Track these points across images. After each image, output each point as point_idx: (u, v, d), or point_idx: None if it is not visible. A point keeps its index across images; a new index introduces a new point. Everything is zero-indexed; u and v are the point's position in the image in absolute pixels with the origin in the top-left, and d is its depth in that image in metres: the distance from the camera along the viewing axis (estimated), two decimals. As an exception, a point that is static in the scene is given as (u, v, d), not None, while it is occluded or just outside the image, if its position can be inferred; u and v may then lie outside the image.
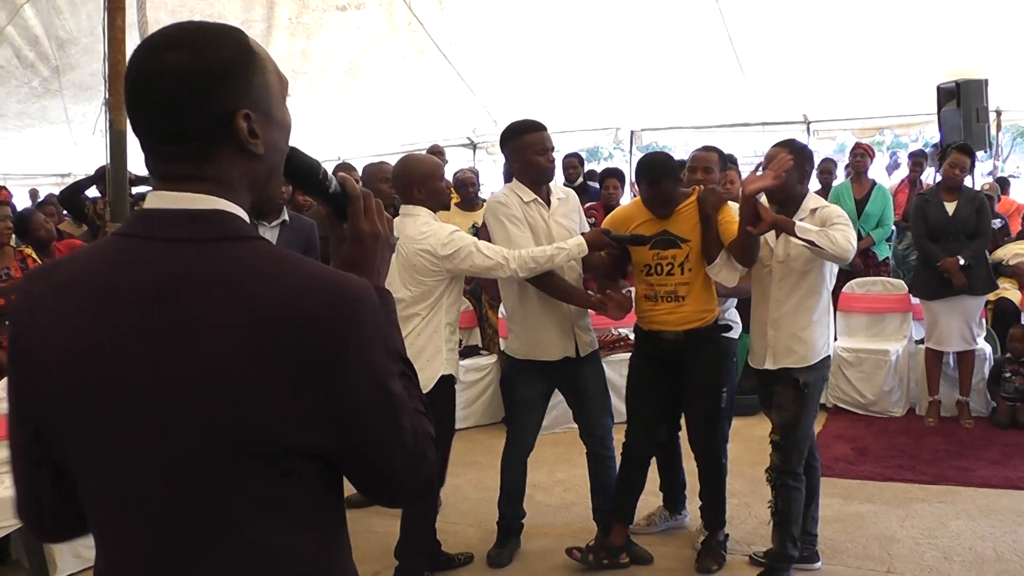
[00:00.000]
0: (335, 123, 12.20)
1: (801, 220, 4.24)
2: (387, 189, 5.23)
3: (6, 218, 5.59)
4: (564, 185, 8.43)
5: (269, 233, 5.49)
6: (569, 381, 4.83)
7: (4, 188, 8.04)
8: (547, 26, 9.73)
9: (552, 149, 4.62)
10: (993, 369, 7.02)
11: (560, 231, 4.61)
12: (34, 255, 5.80)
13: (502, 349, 6.59)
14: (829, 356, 4.40)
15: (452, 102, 11.31)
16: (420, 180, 4.37)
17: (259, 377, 1.26)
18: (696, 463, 4.87)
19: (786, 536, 4.41)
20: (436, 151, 9.06)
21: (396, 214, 5.33)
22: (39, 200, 11.36)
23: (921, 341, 7.23)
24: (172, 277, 1.28)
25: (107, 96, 5.78)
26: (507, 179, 5.04)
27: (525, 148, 4.52)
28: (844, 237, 4.08)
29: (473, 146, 12.21)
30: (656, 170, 4.45)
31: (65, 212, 8.69)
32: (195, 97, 1.31)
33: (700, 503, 4.95)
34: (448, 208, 4.47)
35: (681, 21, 9.24)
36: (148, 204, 1.35)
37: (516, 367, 4.85)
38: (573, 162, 9.67)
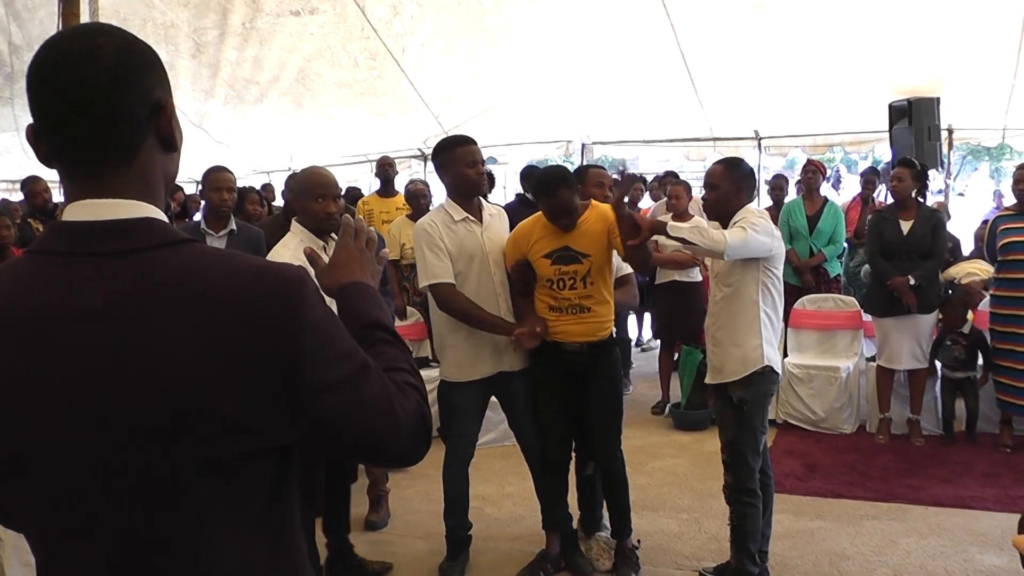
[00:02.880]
0: (287, 131, 12.09)
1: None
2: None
3: None
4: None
5: (217, 242, 5.41)
6: (505, 391, 4.86)
7: None
8: (499, 37, 9.68)
9: (482, 163, 4.65)
10: (937, 339, 6.95)
11: (494, 247, 4.68)
12: None
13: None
14: (770, 370, 4.32)
15: (404, 112, 11.21)
16: (296, 195, 4.41)
17: (223, 376, 1.25)
18: (600, 472, 4.95)
19: (743, 552, 4.40)
20: (386, 162, 9.01)
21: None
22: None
23: (872, 358, 7.23)
24: (115, 292, 1.26)
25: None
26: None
27: (455, 161, 4.56)
28: (722, 233, 4.13)
29: (424, 157, 12.11)
30: (552, 180, 4.48)
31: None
32: (129, 81, 1.31)
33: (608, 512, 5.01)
34: (327, 233, 4.39)
35: (634, 35, 9.21)
36: (71, 215, 1.31)
37: (451, 382, 4.82)
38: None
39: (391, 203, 8.61)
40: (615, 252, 4.61)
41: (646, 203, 10.95)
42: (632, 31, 9.17)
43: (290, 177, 5.06)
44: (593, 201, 4.68)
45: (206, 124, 11.79)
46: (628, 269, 4.84)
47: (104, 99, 1.29)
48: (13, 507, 1.33)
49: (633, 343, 10.94)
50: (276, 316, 1.30)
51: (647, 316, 10.63)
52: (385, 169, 8.99)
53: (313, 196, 4.29)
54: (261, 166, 13.65)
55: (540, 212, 4.64)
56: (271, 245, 4.98)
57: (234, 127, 11.96)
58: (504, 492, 6.06)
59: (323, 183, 4.33)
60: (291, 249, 4.22)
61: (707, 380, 4.61)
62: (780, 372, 4.43)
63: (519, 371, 4.78)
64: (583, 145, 11.84)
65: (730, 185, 4.38)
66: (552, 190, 4.45)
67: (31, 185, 7.93)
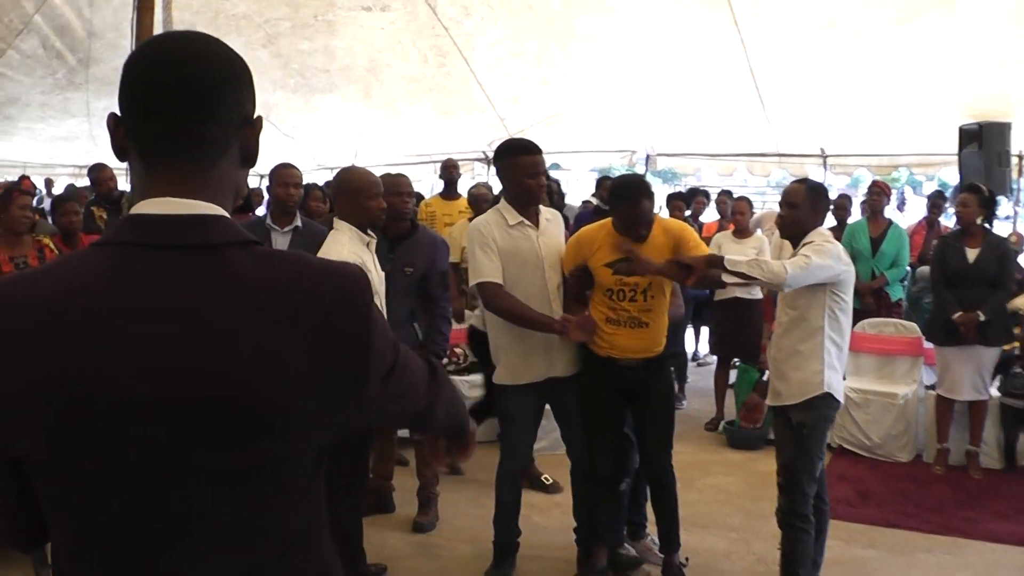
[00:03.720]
0: (353, 125, 12.18)
1: (795, 251, 4.31)
2: (399, 202, 5.24)
3: (25, 207, 5.55)
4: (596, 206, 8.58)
5: (282, 239, 5.44)
6: (559, 400, 4.86)
7: (27, 178, 8.05)
8: (569, 43, 9.68)
9: (544, 174, 4.66)
10: (1002, 363, 6.82)
11: (549, 252, 4.67)
12: (51, 245, 5.75)
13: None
14: (832, 397, 4.29)
15: (471, 112, 11.24)
16: (348, 195, 4.43)
17: (300, 373, 1.30)
18: (649, 487, 4.95)
19: (791, 578, 4.35)
20: (450, 164, 9.06)
21: (414, 226, 5.32)
22: (63, 192, 11.38)
23: (932, 386, 7.11)
24: (193, 287, 1.28)
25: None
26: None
27: (517, 169, 4.57)
28: (781, 263, 4.11)
29: (488, 161, 12.11)
30: (634, 190, 4.49)
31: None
32: (230, 87, 1.36)
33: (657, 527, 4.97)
34: (379, 225, 4.46)
35: (702, 47, 9.15)
36: (152, 210, 1.33)
37: (508, 387, 4.82)
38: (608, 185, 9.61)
39: (454, 206, 8.63)
40: None
41: (709, 216, 10.90)
42: (701, 43, 9.11)
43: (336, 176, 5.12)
44: (657, 216, 4.66)
45: (273, 116, 11.90)
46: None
47: (206, 97, 1.33)
48: (62, 502, 1.31)
49: (690, 357, 10.89)
50: (349, 312, 1.36)
51: (704, 330, 10.57)
52: (449, 171, 9.02)
53: (369, 195, 4.38)
54: (326, 161, 13.73)
55: (607, 219, 4.63)
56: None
57: (301, 119, 12.07)
58: (554, 500, 6.04)
59: (375, 182, 4.47)
60: (346, 246, 4.28)
61: (768, 402, 4.57)
62: (842, 400, 4.38)
63: (571, 378, 4.77)
64: (647, 156, 11.77)
65: (810, 206, 4.36)
66: (633, 198, 4.44)
67: (97, 172, 8.02)
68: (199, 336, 1.26)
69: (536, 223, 4.68)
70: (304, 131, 12.43)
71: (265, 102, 11.45)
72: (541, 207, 4.76)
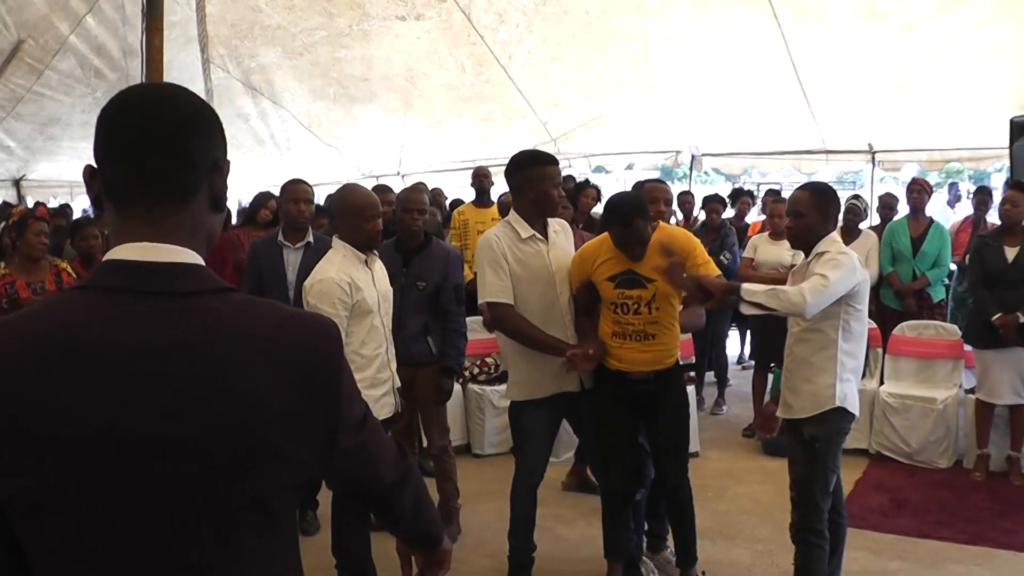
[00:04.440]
0: (396, 134, 12.23)
1: (808, 261, 4.20)
2: (408, 218, 5.32)
3: (40, 233, 5.63)
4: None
5: (294, 254, 5.49)
6: (575, 414, 4.83)
7: (42, 205, 8.18)
8: (607, 45, 9.62)
9: (560, 185, 4.68)
10: None
11: (560, 265, 4.63)
12: (69, 269, 5.83)
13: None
14: (845, 411, 4.17)
15: (512, 118, 11.21)
16: (344, 215, 4.46)
17: (279, 413, 1.36)
18: (666, 500, 4.90)
19: (805, 595, 4.25)
20: (481, 173, 9.05)
21: (428, 240, 5.31)
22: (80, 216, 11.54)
23: (972, 390, 6.91)
24: (179, 331, 1.33)
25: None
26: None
27: (543, 179, 4.53)
28: (798, 290, 3.95)
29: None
30: (627, 209, 4.40)
31: None
32: (199, 131, 1.42)
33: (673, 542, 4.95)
34: (373, 248, 4.44)
35: (744, 45, 9.03)
36: (125, 255, 1.37)
37: (521, 402, 4.78)
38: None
39: (487, 213, 8.61)
40: None
41: (754, 216, 10.75)
42: (741, 40, 9.00)
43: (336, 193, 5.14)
44: (661, 223, 4.57)
45: (315, 127, 12.00)
46: None
47: (176, 139, 1.38)
48: (48, 539, 1.32)
49: (735, 360, 10.75)
50: (323, 358, 1.44)
51: (749, 334, 10.41)
52: (480, 180, 9.02)
53: (365, 217, 4.40)
54: (371, 170, 13.80)
55: (607, 233, 4.56)
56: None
57: (343, 129, 12.15)
58: (579, 512, 5.97)
59: (373, 203, 4.46)
60: (336, 265, 4.33)
61: (779, 414, 4.46)
62: (857, 412, 4.25)
63: (585, 392, 4.71)
64: (692, 156, 11.63)
65: (817, 213, 4.23)
66: (627, 219, 4.36)
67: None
68: (186, 376, 1.31)
69: (546, 235, 4.64)
70: (347, 141, 12.51)
71: (307, 112, 11.60)
72: (549, 219, 4.71)
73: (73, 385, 1.27)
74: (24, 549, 1.34)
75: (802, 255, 4.37)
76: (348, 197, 4.48)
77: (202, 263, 1.42)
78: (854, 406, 4.22)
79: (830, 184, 8.00)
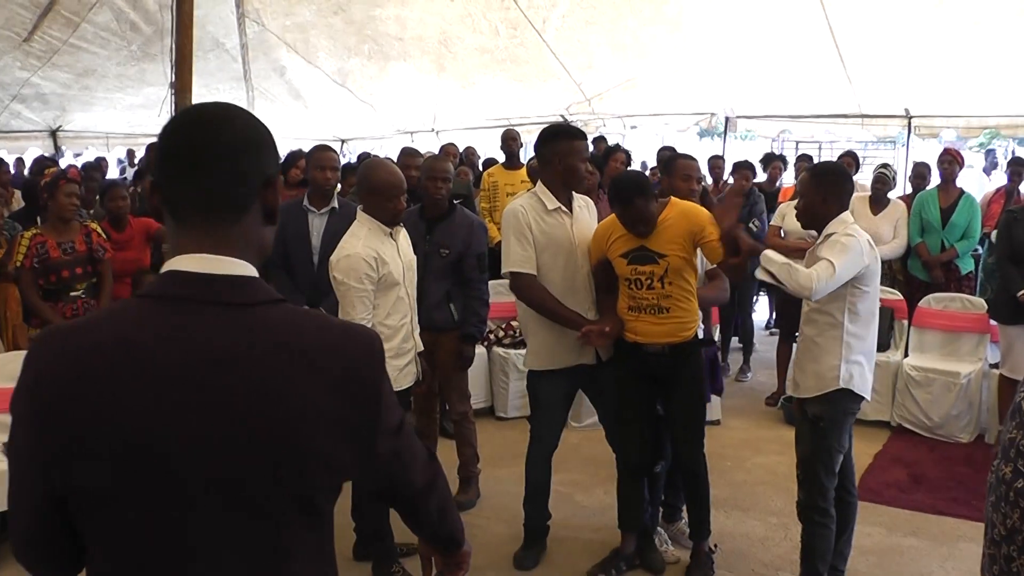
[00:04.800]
0: (429, 92, 12.22)
1: (819, 242, 4.20)
2: (432, 187, 5.35)
3: (71, 195, 5.71)
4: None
5: (319, 219, 5.57)
6: (592, 385, 4.89)
7: (74, 167, 8.29)
8: (642, 7, 9.52)
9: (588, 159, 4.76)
10: None
11: (583, 239, 4.68)
12: (99, 230, 5.92)
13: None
14: (852, 392, 4.17)
15: (546, 80, 11.18)
16: (368, 193, 4.48)
17: (327, 419, 1.45)
18: (681, 473, 4.92)
19: (811, 572, 4.31)
20: (509, 136, 9.04)
21: (452, 208, 5.35)
22: (136, 169, 11.62)
23: (996, 365, 6.87)
24: (237, 340, 1.42)
25: (173, 79, 5.84)
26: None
27: (572, 152, 4.59)
28: (808, 274, 3.98)
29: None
30: (626, 189, 4.42)
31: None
32: (252, 149, 1.50)
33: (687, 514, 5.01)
34: (397, 225, 4.52)
35: (781, 7, 8.93)
36: (185, 266, 1.45)
37: (537, 372, 4.86)
38: (667, 155, 9.49)
39: (516, 175, 8.62)
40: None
41: (788, 181, 10.68)
42: (777, 2, 8.88)
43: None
44: (673, 199, 4.58)
45: (349, 82, 11.99)
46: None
47: (231, 157, 1.47)
48: (106, 530, 1.42)
49: (763, 326, 10.73)
50: (366, 368, 1.53)
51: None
52: (509, 143, 9.01)
53: (387, 196, 4.42)
54: (405, 126, 13.81)
55: None
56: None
57: (377, 85, 12.14)
58: (597, 479, 6.01)
59: (396, 183, 4.46)
60: (361, 240, 4.37)
61: (788, 392, 4.50)
62: (865, 395, 4.25)
63: (603, 364, 4.77)
64: (726, 119, 11.56)
65: (814, 195, 4.23)
66: (627, 199, 4.39)
67: (153, 153, 8.14)
68: (239, 383, 1.40)
69: (571, 209, 4.70)
70: (380, 97, 12.50)
71: (341, 69, 11.60)
72: (574, 194, 4.76)
73: (134, 390, 1.36)
74: (84, 537, 1.45)
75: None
76: (372, 176, 4.50)
77: (256, 275, 1.50)
78: (862, 388, 4.21)
79: (854, 154, 7.95)
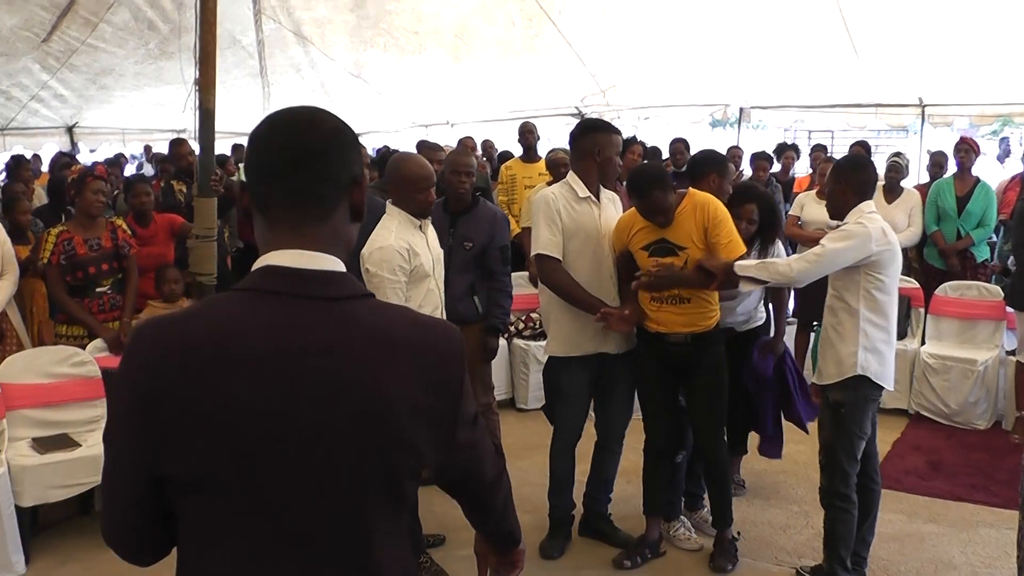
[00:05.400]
0: (445, 85, 12.28)
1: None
2: (456, 181, 5.38)
3: (99, 192, 5.78)
4: (672, 168, 8.76)
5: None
6: (605, 377, 4.95)
7: (101, 164, 8.39)
8: (657, -1, 9.57)
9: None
10: None
11: (609, 228, 4.79)
12: (124, 226, 6.00)
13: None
14: (869, 380, 4.23)
15: (561, 71, 11.21)
16: (399, 185, 4.52)
17: (416, 408, 1.52)
18: (702, 462, 5.02)
19: (834, 558, 4.37)
20: (526, 129, 9.07)
21: (475, 201, 5.40)
22: (157, 166, 11.69)
23: (1013, 352, 6.90)
24: (333, 332, 1.49)
25: (197, 76, 5.90)
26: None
27: (610, 145, 4.75)
28: (787, 262, 4.17)
29: (581, 117, 12.05)
30: (642, 181, 4.50)
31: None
32: (340, 150, 1.56)
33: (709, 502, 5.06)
34: (427, 216, 4.59)
35: (793, -1, 8.98)
36: (279, 261, 1.53)
37: (557, 361, 4.94)
38: (680, 147, 9.57)
39: (534, 168, 8.66)
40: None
41: (801, 170, 10.70)
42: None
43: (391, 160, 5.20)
44: (692, 190, 4.65)
45: (365, 74, 12.04)
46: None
47: (320, 159, 1.54)
48: (202, 513, 1.49)
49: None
50: (450, 359, 1.60)
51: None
52: (526, 136, 9.04)
53: (418, 188, 4.47)
54: (420, 119, 13.86)
55: None
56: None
57: (393, 79, 12.19)
58: (620, 469, 6.04)
59: (427, 175, 4.51)
60: (393, 232, 4.41)
61: (813, 380, 4.57)
62: (886, 384, 4.31)
63: (622, 355, 4.85)
64: (740, 109, 11.59)
65: (835, 186, 4.34)
66: (644, 191, 4.47)
67: (177, 147, 8.13)
68: (335, 373, 1.47)
69: (599, 200, 4.80)
70: (396, 90, 12.55)
71: (356, 61, 11.64)
72: (604, 191, 4.87)
73: (233, 378, 1.43)
74: (179, 519, 1.52)
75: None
76: (402, 168, 4.54)
77: (344, 270, 1.57)
78: (880, 376, 4.26)
79: (866, 143, 7.96)
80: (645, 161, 8.08)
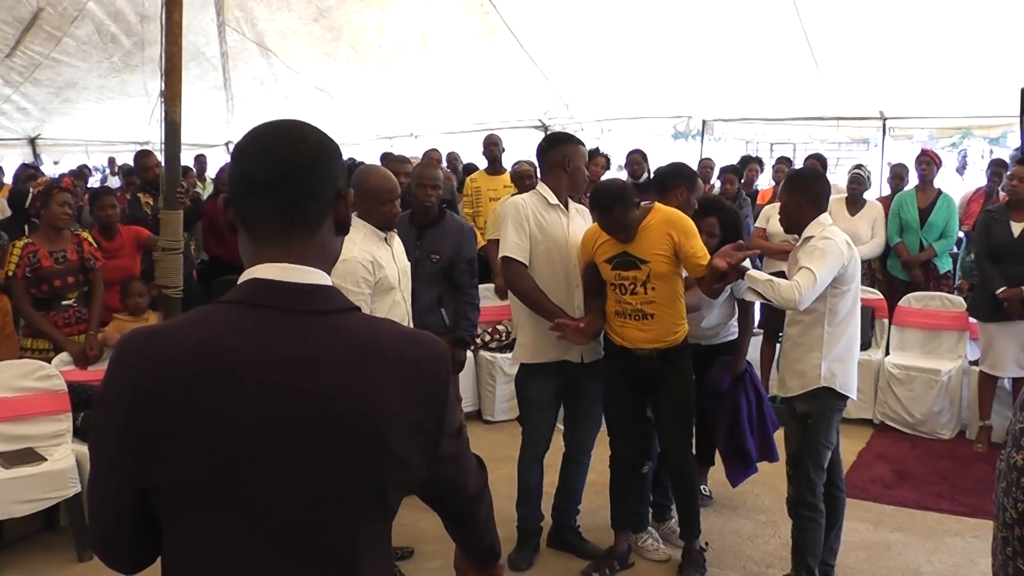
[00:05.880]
0: (408, 98, 12.28)
1: (799, 245, 4.32)
2: (422, 194, 5.39)
3: (65, 204, 5.75)
4: (631, 180, 8.89)
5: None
6: (571, 386, 4.95)
7: (67, 176, 8.35)
8: (619, 11, 9.61)
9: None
10: None
11: (576, 239, 4.79)
12: (90, 239, 5.95)
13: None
14: (835, 391, 4.27)
15: (524, 84, 11.28)
16: (363, 198, 4.50)
17: (403, 420, 1.52)
18: (669, 474, 5.01)
19: (802, 567, 4.39)
20: (491, 141, 9.09)
21: (441, 214, 5.41)
22: (123, 178, 11.59)
23: (976, 362, 6.98)
24: (318, 345, 1.49)
25: (163, 88, 5.87)
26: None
27: (578, 156, 4.81)
28: (790, 286, 4.07)
29: (544, 129, 12.12)
30: (605, 197, 4.50)
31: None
32: (324, 165, 1.56)
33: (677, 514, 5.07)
34: (391, 229, 4.63)
35: (754, 11, 9.04)
36: (265, 274, 1.53)
37: (525, 369, 4.94)
38: (637, 158, 9.62)
39: (499, 181, 8.68)
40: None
41: (764, 183, 10.78)
42: (753, 5, 9.00)
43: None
44: (657, 204, 4.66)
45: (329, 88, 12.04)
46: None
47: (306, 175, 1.54)
48: (187, 524, 1.48)
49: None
50: (435, 371, 1.60)
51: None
52: (491, 148, 9.05)
53: (382, 201, 4.48)
54: (383, 131, 13.86)
55: None
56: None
57: (356, 91, 12.19)
58: (588, 479, 6.05)
59: (391, 187, 4.53)
60: (357, 244, 4.40)
61: (776, 391, 4.60)
62: (850, 394, 4.35)
63: (589, 366, 4.85)
64: (703, 121, 11.69)
65: (789, 199, 4.36)
66: (607, 208, 4.48)
67: (143, 159, 8.05)
68: (320, 384, 1.47)
69: (568, 211, 4.83)
70: (360, 103, 12.55)
71: (320, 74, 11.63)
72: (572, 202, 4.90)
73: (219, 390, 1.43)
74: (163, 531, 1.51)
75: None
76: (366, 181, 4.54)
77: (331, 284, 1.58)
78: (845, 386, 4.30)
79: (821, 156, 8.03)
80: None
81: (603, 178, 8.69)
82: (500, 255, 4.78)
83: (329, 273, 1.60)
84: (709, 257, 4.38)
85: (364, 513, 1.53)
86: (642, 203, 4.62)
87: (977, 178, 10.79)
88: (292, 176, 1.53)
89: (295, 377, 1.46)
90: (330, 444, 1.47)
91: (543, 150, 4.90)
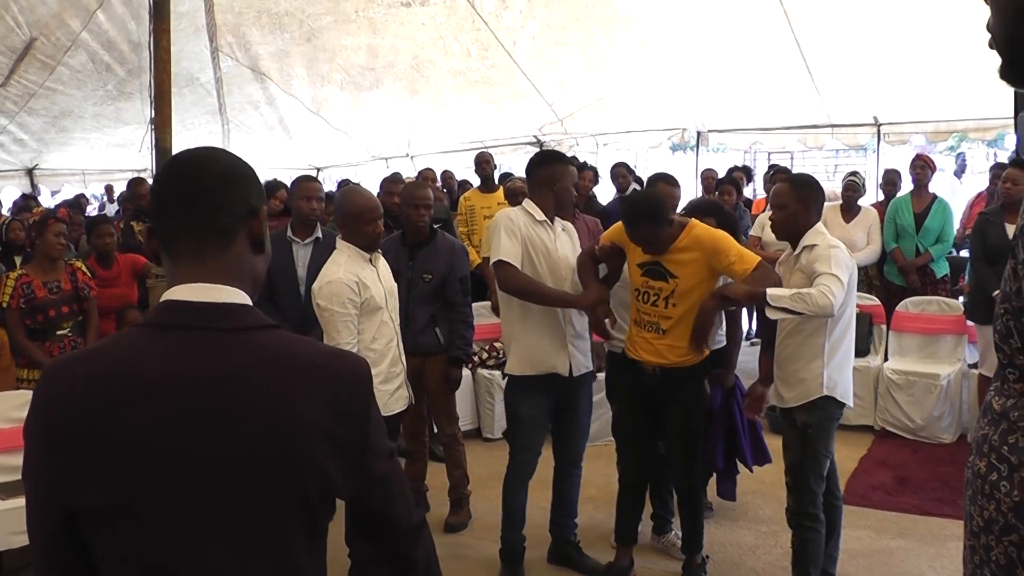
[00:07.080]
0: (403, 117, 12.32)
1: (796, 254, 4.30)
2: (414, 214, 5.44)
3: (60, 235, 5.78)
4: (616, 193, 9.09)
5: (303, 249, 5.61)
6: (560, 399, 4.90)
7: (62, 206, 8.40)
8: (611, 26, 9.64)
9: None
10: None
11: (563, 255, 4.78)
12: (84, 269, 5.96)
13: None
14: (834, 399, 4.26)
15: (518, 100, 11.29)
16: (346, 219, 4.54)
17: (322, 436, 1.52)
18: (675, 489, 5.01)
19: (803, 576, 4.36)
20: (483, 159, 9.12)
21: (433, 234, 5.41)
22: (116, 204, 11.58)
23: (975, 365, 6.97)
24: (232, 362, 1.51)
25: (152, 115, 5.89)
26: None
27: (566, 176, 4.78)
28: (822, 292, 3.99)
29: (540, 144, 12.15)
30: (633, 213, 4.49)
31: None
32: (234, 184, 1.62)
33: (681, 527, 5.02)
34: (376, 250, 4.63)
35: (745, 20, 9.04)
36: (181, 296, 1.56)
37: (516, 385, 4.88)
38: (621, 171, 9.65)
39: (492, 198, 8.67)
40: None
41: (752, 192, 10.80)
42: (743, 15, 9.00)
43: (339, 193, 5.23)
44: (692, 221, 4.58)
45: (323, 111, 12.07)
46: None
47: (216, 192, 1.59)
48: (114, 545, 1.47)
49: (744, 336, 10.78)
50: (355, 386, 1.61)
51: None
52: (483, 166, 9.04)
53: (365, 220, 4.50)
54: (379, 152, 13.89)
55: None
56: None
57: (351, 113, 12.22)
58: (586, 494, 5.98)
59: (373, 208, 4.55)
60: (342, 266, 4.44)
61: (772, 402, 4.57)
62: (848, 402, 4.34)
63: (579, 377, 4.83)
64: (698, 133, 11.70)
65: (799, 204, 4.30)
66: (634, 223, 4.46)
67: (136, 187, 8.09)
68: (236, 400, 1.49)
69: (554, 227, 4.81)
70: (355, 125, 12.59)
71: (314, 97, 11.67)
72: (558, 219, 4.86)
73: (136, 412, 1.45)
74: (92, 554, 1.50)
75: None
76: (347, 202, 4.57)
77: (249, 302, 1.60)
78: (843, 395, 4.29)
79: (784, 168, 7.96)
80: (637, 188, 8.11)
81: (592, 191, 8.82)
82: (493, 260, 4.74)
83: (251, 293, 1.63)
84: (743, 257, 4.34)
85: (288, 533, 1.53)
86: (676, 219, 4.57)
87: (976, 181, 10.75)
88: (203, 194, 1.59)
89: (208, 393, 1.47)
90: (248, 457, 1.48)
91: (532, 168, 4.89)
